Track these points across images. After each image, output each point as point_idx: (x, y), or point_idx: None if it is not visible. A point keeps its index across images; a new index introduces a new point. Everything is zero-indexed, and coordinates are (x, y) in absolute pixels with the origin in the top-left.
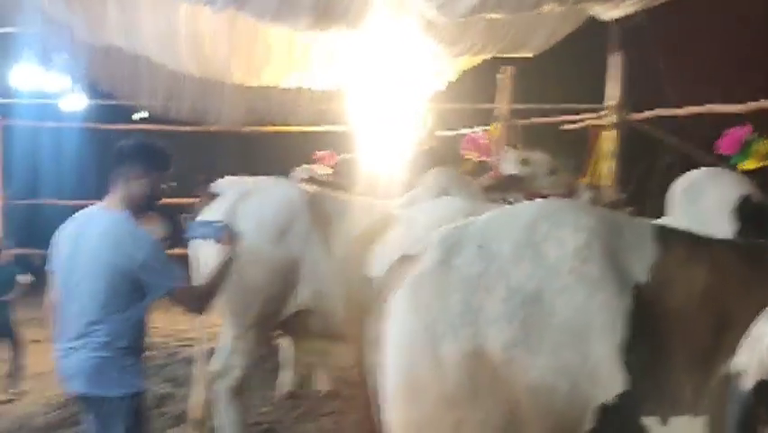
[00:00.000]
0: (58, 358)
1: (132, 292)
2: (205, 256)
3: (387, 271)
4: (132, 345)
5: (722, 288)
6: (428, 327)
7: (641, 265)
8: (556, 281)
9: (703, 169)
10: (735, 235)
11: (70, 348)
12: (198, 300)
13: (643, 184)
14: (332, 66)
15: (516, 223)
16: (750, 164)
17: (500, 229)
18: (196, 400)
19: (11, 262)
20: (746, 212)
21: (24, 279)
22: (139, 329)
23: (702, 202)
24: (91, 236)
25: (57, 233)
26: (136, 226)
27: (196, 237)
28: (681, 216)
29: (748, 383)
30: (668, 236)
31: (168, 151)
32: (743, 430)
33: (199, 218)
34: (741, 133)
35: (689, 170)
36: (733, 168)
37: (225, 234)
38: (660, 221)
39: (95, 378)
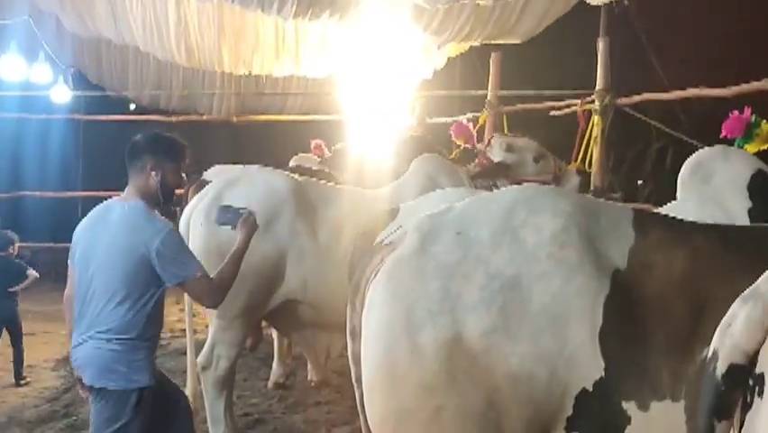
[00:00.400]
0: (72, 349)
1: (146, 282)
2: (194, 250)
3: (364, 259)
4: (143, 337)
5: (700, 272)
6: (406, 314)
7: (619, 250)
8: (534, 267)
9: (712, 148)
10: (749, 212)
11: (82, 339)
12: (212, 292)
13: (633, 169)
14: (323, 54)
15: (494, 209)
16: (753, 147)
17: (478, 216)
18: (189, 391)
19: (20, 255)
20: (760, 188)
21: (32, 272)
22: (151, 322)
23: (714, 181)
24: (108, 226)
25: (78, 226)
26: (152, 215)
27: (224, 224)
28: (694, 197)
29: (720, 367)
30: (645, 221)
31: (182, 142)
32: (715, 415)
33: (224, 204)
34: (744, 116)
35: (679, 154)
36: None
37: (246, 221)
38: (672, 204)
39: (100, 370)
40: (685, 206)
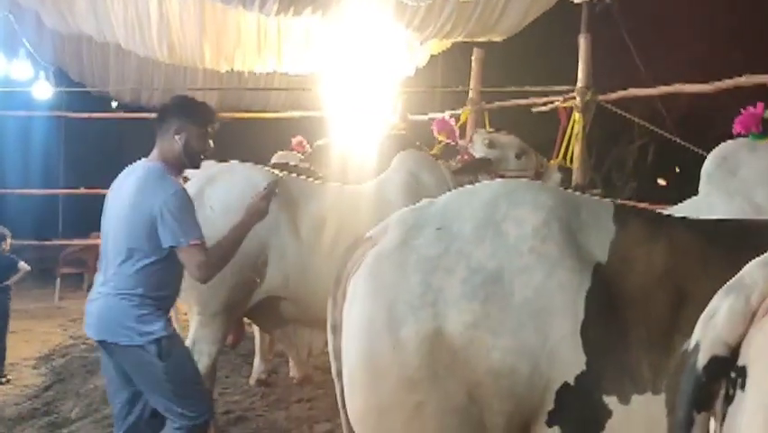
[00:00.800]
0: (86, 305)
1: (153, 241)
2: None
3: (345, 254)
4: (149, 295)
5: (681, 266)
6: (387, 309)
7: (600, 244)
8: (516, 261)
9: (735, 140)
10: None
11: (95, 295)
12: (204, 265)
13: (615, 166)
14: (305, 50)
15: (476, 203)
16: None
17: (460, 210)
18: None
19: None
20: None
21: (24, 265)
22: (159, 282)
23: (741, 174)
24: (125, 187)
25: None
26: (165, 177)
27: None
28: (720, 191)
29: (701, 359)
30: (626, 215)
31: (210, 106)
32: (695, 406)
33: None
34: (758, 110)
35: (660, 151)
36: None
37: (257, 201)
38: (694, 199)
39: (109, 325)
40: (710, 200)
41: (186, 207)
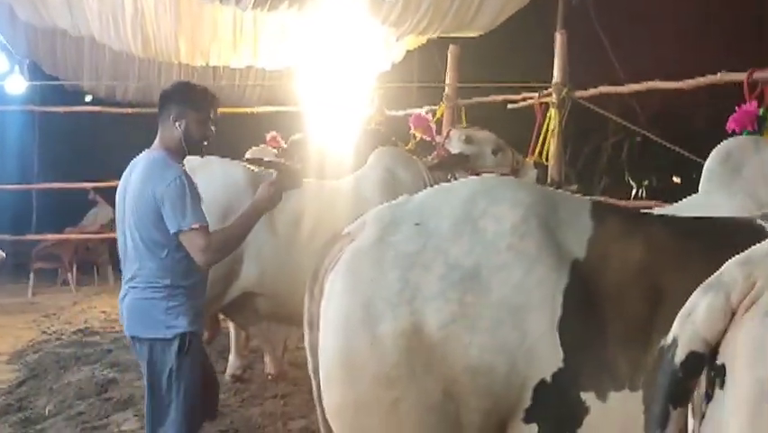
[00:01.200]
0: (119, 303)
1: (159, 229)
2: None
3: (322, 250)
4: (177, 284)
5: (658, 262)
6: (365, 305)
7: (578, 241)
8: (494, 258)
9: (738, 138)
10: None
11: (125, 291)
12: (205, 249)
13: (590, 162)
14: (281, 45)
15: (454, 200)
16: None
17: (438, 206)
18: None
19: None
20: None
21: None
22: (184, 268)
23: (746, 172)
24: (132, 179)
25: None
26: (168, 164)
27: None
28: (723, 189)
29: (679, 355)
30: (604, 212)
31: (210, 92)
32: (671, 402)
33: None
34: (752, 108)
35: (634, 148)
36: None
37: (271, 184)
38: (695, 196)
39: (141, 319)
40: (711, 198)
41: (186, 192)
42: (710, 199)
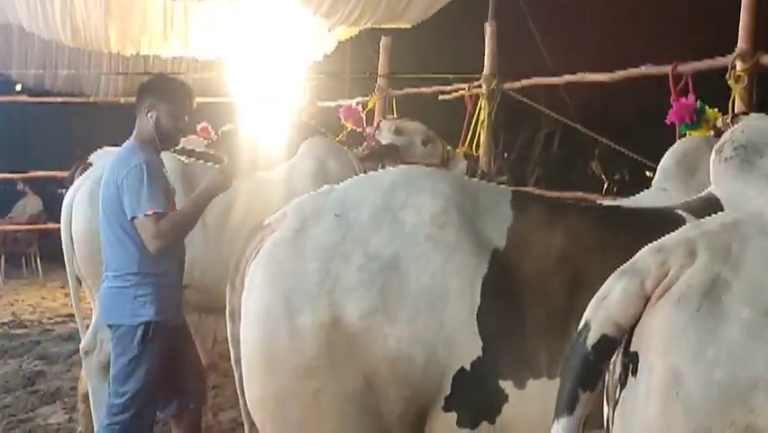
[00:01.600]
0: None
1: (124, 215)
2: (77, 232)
3: (244, 241)
4: (145, 272)
5: (578, 251)
6: (285, 296)
7: (498, 230)
8: (413, 248)
9: (694, 137)
10: None
11: (101, 281)
12: (155, 236)
13: (522, 153)
14: (212, 35)
15: (375, 190)
16: (699, 134)
17: (359, 197)
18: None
19: None
20: None
21: None
22: (149, 257)
23: (700, 171)
24: (107, 171)
25: None
26: (134, 152)
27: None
28: (677, 186)
29: (591, 338)
30: (524, 201)
31: (184, 83)
32: (580, 385)
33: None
34: (690, 102)
35: (566, 140)
36: (682, 137)
37: (227, 163)
38: (647, 192)
39: (111, 307)
40: (661, 195)
41: (143, 178)
42: (661, 196)
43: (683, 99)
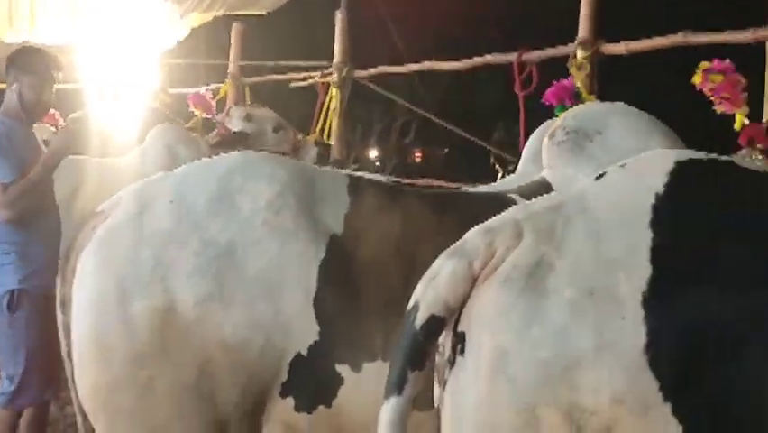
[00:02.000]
0: None
1: None
2: None
3: (75, 228)
4: (7, 240)
5: (414, 235)
6: (117, 284)
7: (335, 216)
8: (250, 234)
9: (557, 119)
10: None
11: None
12: (4, 203)
13: (379, 142)
14: (59, 19)
15: (211, 176)
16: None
17: (195, 182)
18: None
19: None
20: None
21: None
22: (15, 226)
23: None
24: None
25: None
26: None
27: None
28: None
29: (420, 318)
30: (361, 187)
31: (42, 54)
32: (409, 364)
33: None
34: (569, 83)
35: (422, 129)
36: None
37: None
38: (510, 178)
39: None
40: (525, 178)
41: None
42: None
43: (563, 81)
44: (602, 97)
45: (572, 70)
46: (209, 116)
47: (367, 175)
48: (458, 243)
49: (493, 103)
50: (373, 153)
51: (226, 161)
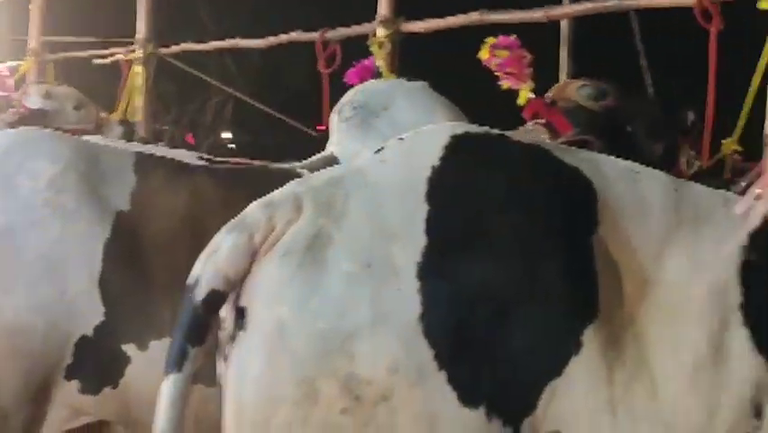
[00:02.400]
0: None
1: None
2: None
3: None
4: None
5: (200, 211)
6: None
7: (121, 194)
8: (29, 215)
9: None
10: None
11: None
12: None
13: (195, 121)
14: None
15: None
16: None
17: None
18: None
19: None
20: None
21: None
22: None
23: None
24: None
25: None
26: None
27: None
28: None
29: (200, 293)
30: (148, 164)
31: None
32: (189, 340)
33: None
34: (370, 64)
35: (237, 108)
36: None
37: None
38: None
39: None
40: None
41: None
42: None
43: (365, 61)
44: (404, 76)
45: (373, 49)
46: (6, 94)
47: (162, 151)
48: (238, 217)
49: (303, 81)
50: (226, 135)
51: (4, 139)
